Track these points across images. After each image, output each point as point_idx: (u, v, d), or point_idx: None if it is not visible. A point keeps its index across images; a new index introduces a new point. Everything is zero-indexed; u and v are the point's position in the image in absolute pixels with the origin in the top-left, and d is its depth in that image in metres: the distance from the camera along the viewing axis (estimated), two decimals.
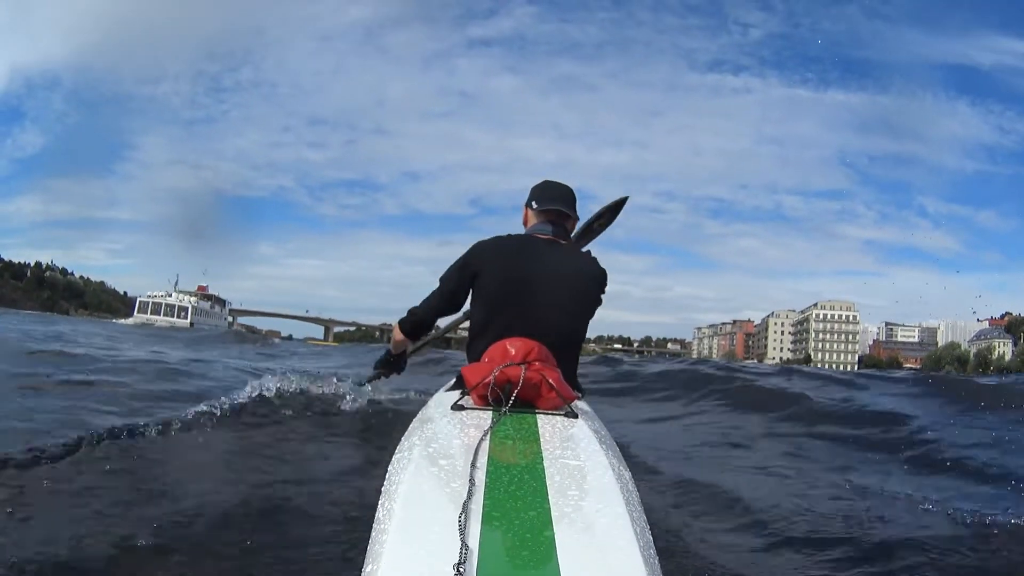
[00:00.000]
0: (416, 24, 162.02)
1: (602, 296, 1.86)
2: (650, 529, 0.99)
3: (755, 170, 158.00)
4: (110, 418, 3.51)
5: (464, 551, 0.80)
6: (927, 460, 4.11)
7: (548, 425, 1.28)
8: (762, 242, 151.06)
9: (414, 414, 1.68)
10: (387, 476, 1.15)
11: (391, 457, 1.25)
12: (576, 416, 1.33)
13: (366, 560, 0.89)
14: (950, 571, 2.21)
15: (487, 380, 1.33)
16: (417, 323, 2.05)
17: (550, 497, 0.96)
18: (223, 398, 3.81)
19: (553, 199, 1.91)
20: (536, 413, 1.34)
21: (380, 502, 1.05)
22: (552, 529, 0.87)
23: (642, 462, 3.48)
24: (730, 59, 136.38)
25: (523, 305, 1.73)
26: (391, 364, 2.49)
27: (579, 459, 1.14)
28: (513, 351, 1.41)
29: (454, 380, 1.74)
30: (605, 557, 0.84)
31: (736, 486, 3.16)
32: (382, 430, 3.64)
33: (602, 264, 1.87)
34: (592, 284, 1.83)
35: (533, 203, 1.93)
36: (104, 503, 2.19)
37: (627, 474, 1.16)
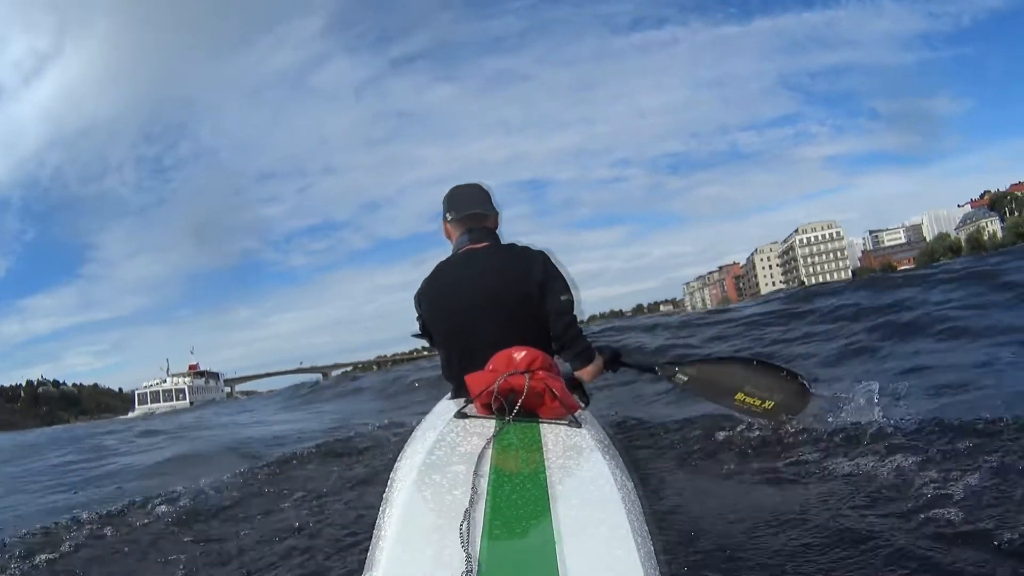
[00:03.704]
0: (337, 58, 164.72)
1: (554, 276, 1.73)
2: (652, 538, 1.00)
3: (702, 117, 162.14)
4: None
5: (466, 559, 0.81)
6: None
7: (551, 434, 1.28)
8: (726, 186, 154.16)
9: (418, 422, 1.69)
10: (389, 483, 1.16)
11: (394, 464, 1.26)
12: (579, 425, 1.33)
13: (365, 568, 0.90)
14: None
15: (491, 389, 1.34)
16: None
17: (552, 506, 0.96)
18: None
19: (465, 204, 1.87)
20: (539, 422, 1.34)
21: (382, 509, 1.06)
22: (554, 538, 0.88)
23: None
24: (650, 14, 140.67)
25: (467, 332, 1.71)
26: None
27: (582, 468, 1.14)
28: (518, 359, 1.40)
29: (457, 388, 1.75)
30: (606, 566, 0.84)
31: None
32: (386, 437, 3.67)
33: (562, 246, 1.91)
34: (526, 278, 1.71)
35: (448, 215, 1.88)
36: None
37: (630, 483, 1.16)
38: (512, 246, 1.82)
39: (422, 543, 0.88)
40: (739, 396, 2.16)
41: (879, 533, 1.72)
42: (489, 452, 1.12)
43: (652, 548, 0.96)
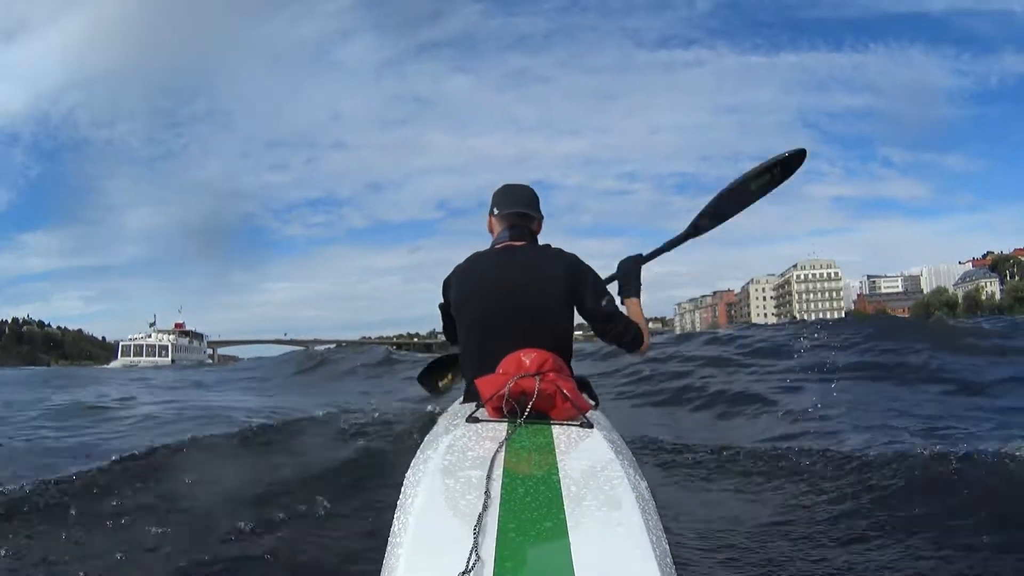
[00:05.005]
0: (364, 35, 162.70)
1: (583, 281, 1.76)
2: (667, 538, 0.98)
3: (716, 141, 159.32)
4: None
5: (480, 563, 0.81)
6: None
7: (563, 436, 1.27)
8: None
9: (429, 427, 1.69)
10: (403, 489, 1.16)
11: (406, 470, 1.25)
12: (591, 426, 1.32)
13: (381, 574, 0.90)
14: None
15: (502, 392, 1.33)
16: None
17: (566, 508, 0.95)
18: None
19: (513, 202, 1.91)
20: (551, 424, 1.33)
21: (396, 515, 1.05)
22: (568, 540, 0.87)
23: None
24: (679, 34, 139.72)
25: (490, 324, 1.71)
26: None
27: (594, 469, 1.14)
28: (528, 362, 1.40)
29: (468, 392, 1.75)
30: (622, 567, 0.84)
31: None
32: (397, 443, 3.64)
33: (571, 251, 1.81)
34: (556, 280, 1.73)
35: (495, 209, 1.92)
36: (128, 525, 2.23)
37: (643, 483, 1.15)
38: (548, 247, 1.84)
39: (438, 549, 0.88)
40: (754, 187, 2.41)
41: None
42: (501, 455, 1.11)
43: (667, 548, 0.95)
